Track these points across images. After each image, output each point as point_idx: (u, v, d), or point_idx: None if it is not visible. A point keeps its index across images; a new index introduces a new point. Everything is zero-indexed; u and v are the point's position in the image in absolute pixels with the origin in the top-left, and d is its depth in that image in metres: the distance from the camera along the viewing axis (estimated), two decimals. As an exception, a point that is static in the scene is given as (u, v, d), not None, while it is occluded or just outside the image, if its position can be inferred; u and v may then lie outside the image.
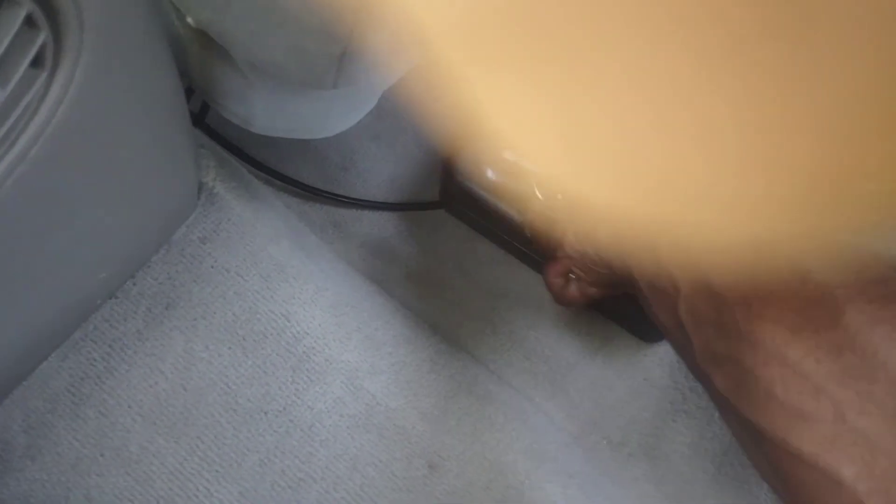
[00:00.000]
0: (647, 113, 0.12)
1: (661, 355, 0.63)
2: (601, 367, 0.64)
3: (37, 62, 0.24)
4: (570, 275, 0.48)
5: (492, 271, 0.66)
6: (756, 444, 0.32)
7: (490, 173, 0.60)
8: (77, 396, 0.46)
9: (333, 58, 0.35)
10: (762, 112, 0.11)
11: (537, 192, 0.56)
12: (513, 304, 0.65)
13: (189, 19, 0.38)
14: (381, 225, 0.67)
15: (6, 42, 0.22)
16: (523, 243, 0.62)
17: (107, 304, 0.48)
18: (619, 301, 0.60)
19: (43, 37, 0.23)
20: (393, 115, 0.69)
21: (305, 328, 0.49)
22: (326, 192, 0.65)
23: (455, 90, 0.14)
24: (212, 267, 0.49)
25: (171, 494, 0.45)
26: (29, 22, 0.23)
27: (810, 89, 0.11)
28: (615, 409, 0.61)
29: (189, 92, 0.54)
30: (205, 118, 0.59)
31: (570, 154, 0.14)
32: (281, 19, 0.33)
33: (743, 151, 0.12)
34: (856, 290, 0.28)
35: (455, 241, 0.67)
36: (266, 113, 0.46)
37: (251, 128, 0.48)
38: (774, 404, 0.29)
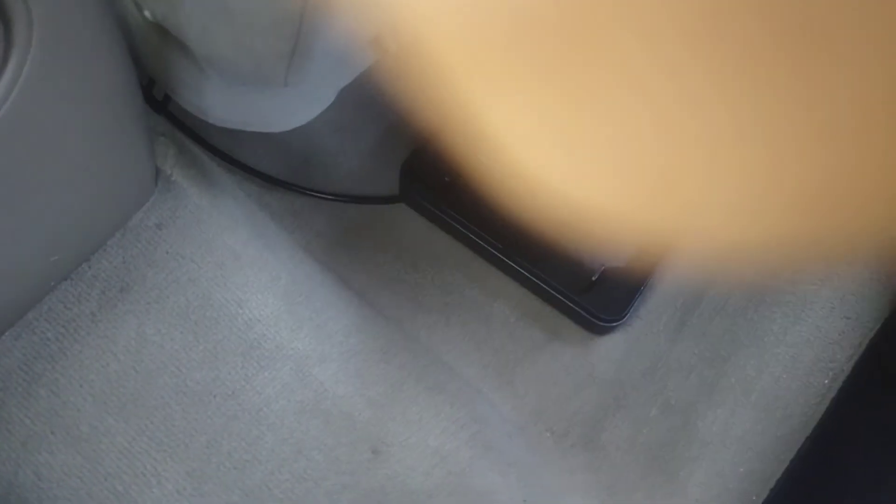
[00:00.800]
0: (650, 119, 0.12)
1: (607, 352, 0.65)
2: (548, 361, 0.66)
3: (-14, 54, 0.25)
4: None
5: (447, 265, 0.68)
6: None
7: (452, 168, 0.62)
8: (29, 375, 0.47)
9: (283, 56, 0.36)
10: (766, 120, 0.12)
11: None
12: (466, 297, 0.67)
13: (146, 13, 0.39)
14: (340, 216, 0.69)
15: (-44, 35, 0.23)
16: (481, 237, 0.64)
17: (62, 285, 0.49)
18: (570, 296, 0.63)
19: (-7, 30, 0.25)
20: (355, 110, 0.71)
21: (258, 315, 0.51)
22: (287, 182, 0.66)
23: (447, 96, 0.14)
24: (167, 252, 0.51)
25: (119, 472, 0.46)
26: (-21, 16, 0.24)
27: (816, 98, 0.11)
28: (560, 403, 0.63)
29: (153, 81, 0.55)
30: (168, 106, 0.60)
31: (570, 161, 0.14)
32: (230, 17, 0.34)
33: (745, 158, 0.12)
34: None
35: (412, 234, 0.68)
36: (221, 105, 0.47)
37: (207, 118, 0.49)
38: None
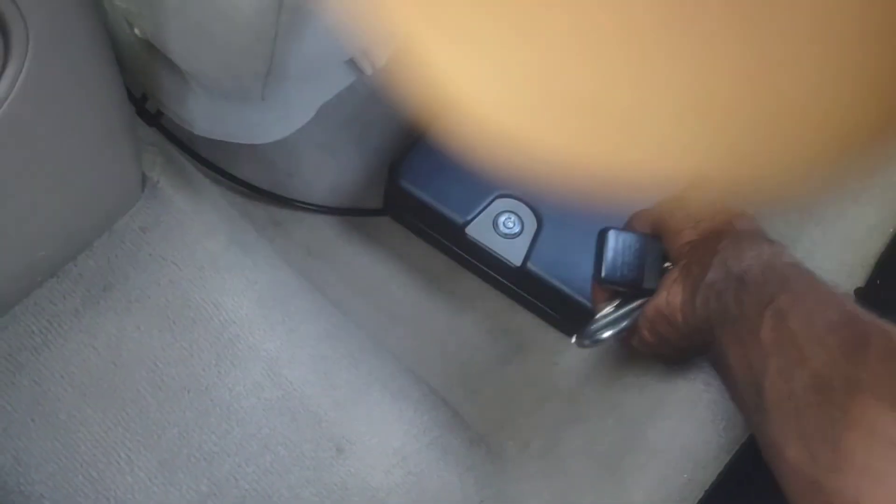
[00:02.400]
0: (578, 39, 0.12)
1: (570, 367, 0.68)
2: (513, 373, 0.69)
3: (-14, 63, 0.28)
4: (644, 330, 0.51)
5: (421, 277, 0.71)
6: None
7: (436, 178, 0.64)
8: (13, 365, 0.50)
9: (259, 74, 0.39)
10: (698, 41, 0.12)
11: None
12: (437, 308, 0.70)
13: (136, 30, 0.43)
14: (321, 228, 0.72)
15: (-40, 45, 0.27)
16: (463, 249, 0.67)
17: (48, 282, 0.52)
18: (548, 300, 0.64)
19: (-7, 42, 0.28)
20: (339, 126, 0.74)
21: (233, 317, 0.54)
22: (270, 191, 0.70)
23: (415, 59, 0.14)
24: (149, 255, 0.54)
25: (94, 460, 0.49)
26: (-19, 29, 0.27)
27: (747, 25, 0.11)
28: (523, 414, 0.66)
29: (146, 96, 0.59)
30: (160, 119, 0.63)
31: (502, 87, 0.14)
32: (210, 37, 0.38)
33: (676, 80, 0.12)
34: None
35: (391, 247, 0.72)
36: (206, 117, 0.50)
37: (193, 130, 0.52)
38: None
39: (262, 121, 0.52)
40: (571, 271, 0.62)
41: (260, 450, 0.51)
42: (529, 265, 0.63)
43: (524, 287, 0.66)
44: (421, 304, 0.71)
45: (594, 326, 0.52)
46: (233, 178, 0.68)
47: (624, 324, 0.52)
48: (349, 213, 0.73)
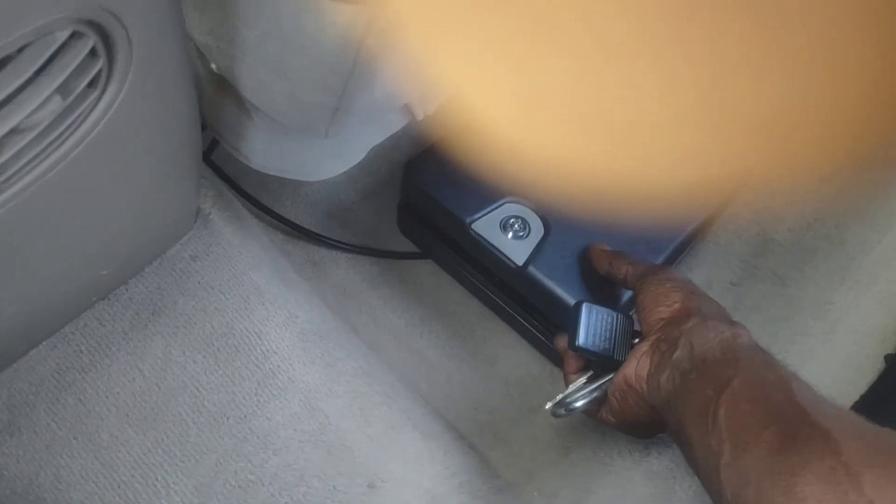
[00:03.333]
0: (612, 70, 0.13)
1: (597, 422, 0.68)
2: (542, 425, 0.69)
3: (92, 83, 0.30)
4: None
5: (454, 323, 0.72)
6: None
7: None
8: (60, 383, 0.51)
9: (328, 108, 0.42)
10: (718, 69, 0.12)
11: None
12: (469, 357, 0.71)
13: (212, 65, 0.45)
14: (357, 269, 0.73)
15: (73, 65, 0.29)
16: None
17: (99, 304, 0.53)
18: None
19: (100, 64, 0.30)
20: (381, 169, 0.76)
21: (274, 348, 0.55)
22: (309, 230, 0.71)
23: (424, 57, 0.15)
24: (198, 283, 0.55)
25: (132, 481, 0.49)
26: (92, 51, 0.29)
27: (766, 38, 0.12)
28: (550, 464, 0.66)
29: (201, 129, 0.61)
30: (211, 155, 0.66)
31: (535, 112, 0.15)
32: (285, 71, 0.40)
33: (699, 89, 0.13)
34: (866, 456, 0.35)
35: (426, 292, 0.73)
36: (264, 152, 0.52)
37: (250, 163, 0.54)
38: None
39: (316, 158, 0.54)
40: (573, 279, 0.63)
41: (295, 481, 0.51)
42: (531, 268, 0.63)
43: (524, 288, 0.66)
44: (452, 350, 0.71)
45: (568, 398, 0.57)
46: (275, 215, 0.70)
47: (596, 394, 0.56)
48: (386, 255, 0.74)
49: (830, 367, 0.61)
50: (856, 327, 0.61)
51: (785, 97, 0.13)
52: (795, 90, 0.13)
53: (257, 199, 0.69)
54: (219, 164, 0.66)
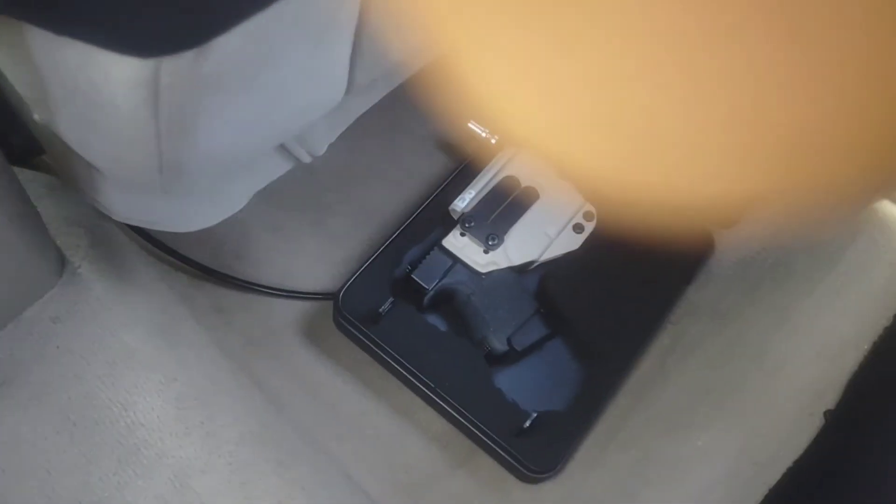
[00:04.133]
0: (634, 63, 0.12)
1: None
2: (462, 481, 0.63)
3: None
4: None
5: (370, 377, 0.66)
6: None
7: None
8: None
9: (151, 168, 0.36)
10: (751, 65, 0.12)
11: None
12: (384, 411, 0.65)
13: (35, 115, 0.40)
14: (266, 315, 0.68)
15: None
16: (411, 373, 0.63)
17: (-59, 375, 0.48)
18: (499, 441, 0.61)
19: None
20: (294, 208, 0.71)
21: (142, 419, 0.49)
22: (215, 270, 0.66)
23: (453, 68, 0.14)
24: (57, 347, 0.50)
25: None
26: None
27: (799, 47, 0.11)
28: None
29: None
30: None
31: (555, 112, 0.14)
32: (98, 130, 0.35)
33: (731, 108, 0.12)
34: None
35: (340, 340, 0.67)
36: (122, 203, 0.47)
37: (111, 215, 0.49)
38: None
39: (185, 208, 0.49)
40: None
41: (155, 574, 0.46)
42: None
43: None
44: (368, 401, 0.66)
45: None
46: (179, 257, 0.64)
47: None
48: (299, 297, 0.69)
49: (767, 423, 0.56)
50: (792, 381, 0.56)
51: (815, 124, 0.13)
52: (826, 118, 0.13)
53: (160, 240, 0.63)
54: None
